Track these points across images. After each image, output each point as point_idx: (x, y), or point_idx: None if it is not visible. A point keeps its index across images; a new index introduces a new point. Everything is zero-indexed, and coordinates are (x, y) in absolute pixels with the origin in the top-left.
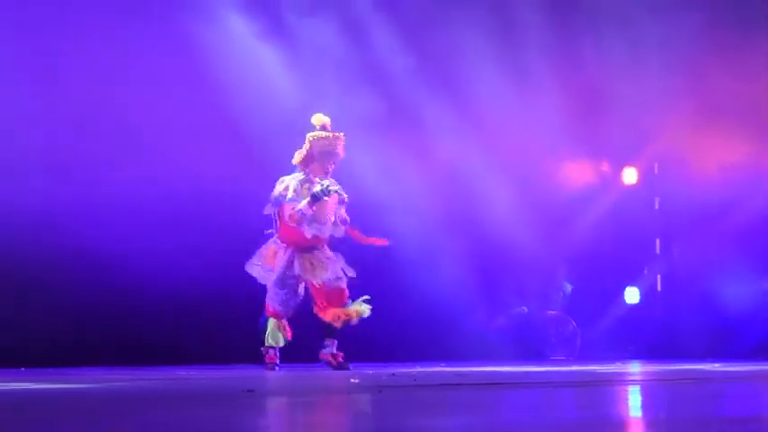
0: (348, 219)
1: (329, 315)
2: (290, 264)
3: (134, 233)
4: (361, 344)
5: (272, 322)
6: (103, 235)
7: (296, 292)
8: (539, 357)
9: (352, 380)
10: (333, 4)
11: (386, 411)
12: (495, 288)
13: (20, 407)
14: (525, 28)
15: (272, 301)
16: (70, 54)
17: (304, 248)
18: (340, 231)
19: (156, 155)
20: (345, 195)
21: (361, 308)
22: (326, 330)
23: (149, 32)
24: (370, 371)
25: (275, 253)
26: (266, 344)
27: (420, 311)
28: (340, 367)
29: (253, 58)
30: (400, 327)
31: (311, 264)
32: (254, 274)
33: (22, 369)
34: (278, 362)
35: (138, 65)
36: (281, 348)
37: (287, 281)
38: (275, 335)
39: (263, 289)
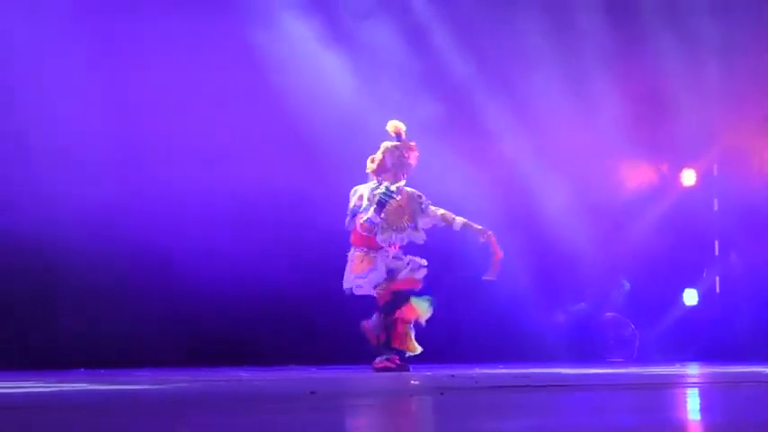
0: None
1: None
2: (385, 264)
3: (196, 233)
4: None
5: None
6: (164, 235)
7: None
8: (597, 359)
9: (413, 382)
10: (391, 7)
11: (449, 414)
12: (554, 288)
13: (78, 408)
14: (584, 30)
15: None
16: (138, 56)
17: (381, 251)
18: (421, 237)
19: (221, 156)
20: (424, 199)
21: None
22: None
23: (211, 35)
24: (428, 372)
25: (365, 255)
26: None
27: (478, 312)
28: (401, 369)
29: (313, 62)
30: (456, 327)
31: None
32: (360, 292)
33: (82, 369)
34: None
35: (201, 67)
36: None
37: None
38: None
39: (327, 289)
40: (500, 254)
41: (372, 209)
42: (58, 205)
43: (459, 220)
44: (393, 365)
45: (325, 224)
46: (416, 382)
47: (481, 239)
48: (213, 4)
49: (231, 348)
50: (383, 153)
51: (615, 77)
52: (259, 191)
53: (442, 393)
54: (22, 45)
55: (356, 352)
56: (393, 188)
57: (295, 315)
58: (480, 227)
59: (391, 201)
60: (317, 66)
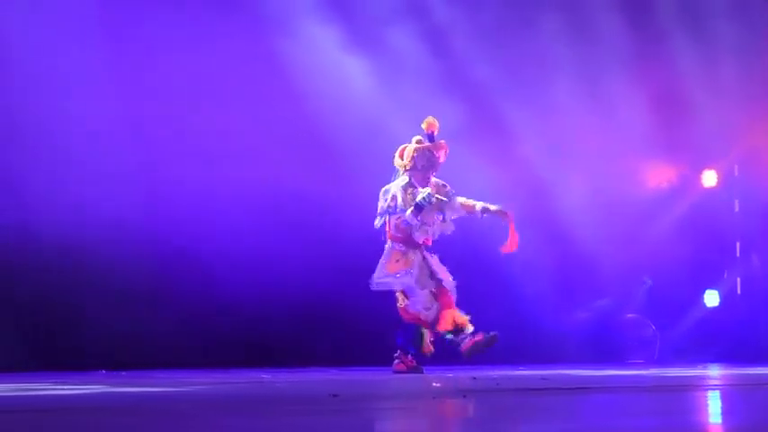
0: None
1: (443, 319)
2: (423, 262)
3: (217, 235)
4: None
5: (422, 330)
6: (186, 238)
7: (435, 292)
8: (617, 360)
9: (435, 384)
10: (411, 11)
11: (473, 418)
12: (574, 289)
13: (97, 410)
14: (602, 31)
15: (414, 307)
16: (163, 60)
17: (420, 249)
18: (449, 228)
19: (246, 159)
20: (449, 189)
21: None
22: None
23: (234, 42)
24: (449, 374)
25: (402, 255)
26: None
27: (497, 313)
28: (415, 370)
29: (334, 67)
30: (475, 328)
31: (439, 263)
32: (385, 288)
33: (103, 371)
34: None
35: (225, 72)
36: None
37: (425, 280)
38: (419, 342)
39: (348, 291)
40: (516, 235)
41: (410, 210)
42: (83, 207)
43: (479, 205)
44: (405, 368)
45: (348, 226)
46: (438, 385)
47: (503, 221)
48: (236, 11)
49: (252, 350)
50: (414, 154)
51: (634, 78)
52: (280, 193)
53: (464, 396)
54: (39, 46)
55: (377, 354)
56: (434, 199)
57: (316, 317)
58: (499, 207)
59: (429, 206)
60: (339, 70)
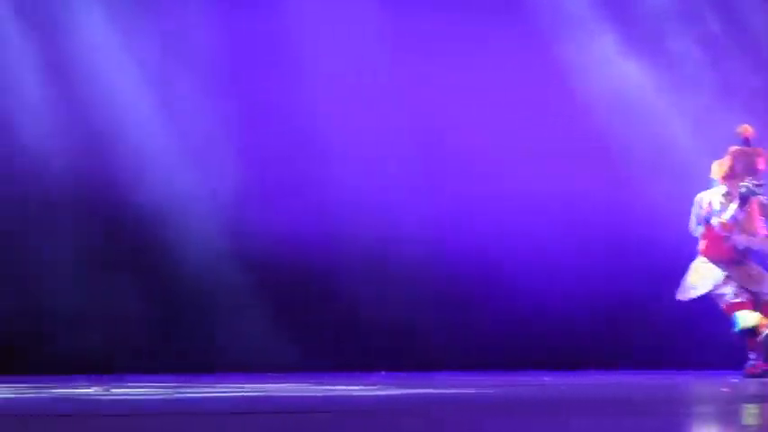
0: None
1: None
2: (727, 275)
3: (515, 240)
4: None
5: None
6: (486, 241)
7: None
8: None
9: (723, 389)
10: (688, 17)
11: None
12: None
13: (379, 412)
14: None
15: (723, 299)
16: (441, 64)
17: (734, 262)
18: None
19: (529, 163)
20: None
21: None
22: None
23: (518, 47)
24: (734, 379)
25: (700, 268)
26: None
27: None
28: (764, 374)
29: (613, 74)
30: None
31: (749, 274)
32: (683, 298)
33: (382, 372)
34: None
35: (509, 77)
36: None
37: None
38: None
39: (638, 294)
40: None
41: (735, 205)
42: (379, 213)
43: None
44: (757, 371)
45: (636, 231)
46: (726, 390)
47: None
48: (520, 18)
49: (528, 352)
50: (732, 158)
51: None
52: (566, 198)
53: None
54: (329, 51)
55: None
56: (759, 189)
57: (595, 320)
58: None
59: (754, 198)
60: (617, 77)
